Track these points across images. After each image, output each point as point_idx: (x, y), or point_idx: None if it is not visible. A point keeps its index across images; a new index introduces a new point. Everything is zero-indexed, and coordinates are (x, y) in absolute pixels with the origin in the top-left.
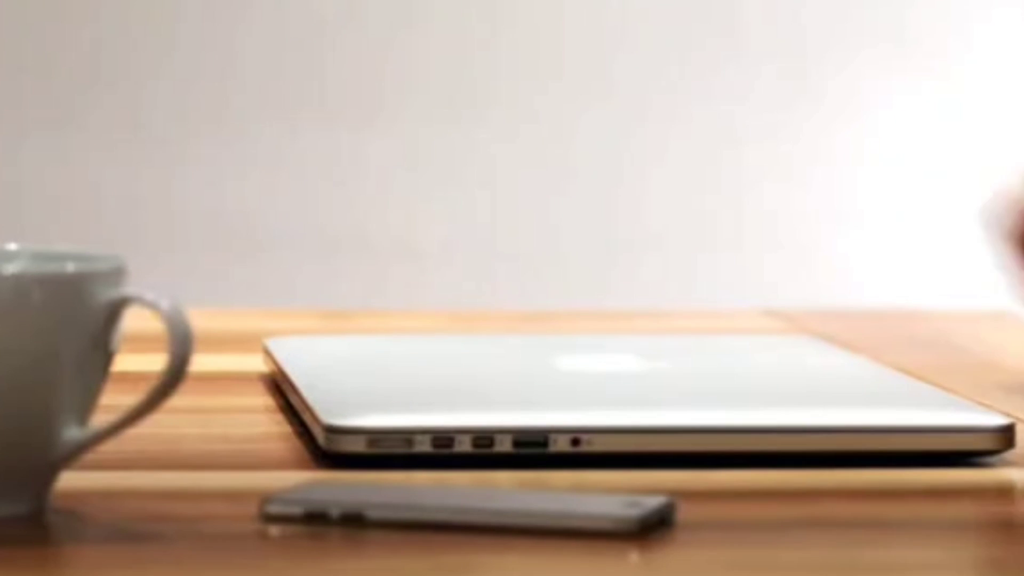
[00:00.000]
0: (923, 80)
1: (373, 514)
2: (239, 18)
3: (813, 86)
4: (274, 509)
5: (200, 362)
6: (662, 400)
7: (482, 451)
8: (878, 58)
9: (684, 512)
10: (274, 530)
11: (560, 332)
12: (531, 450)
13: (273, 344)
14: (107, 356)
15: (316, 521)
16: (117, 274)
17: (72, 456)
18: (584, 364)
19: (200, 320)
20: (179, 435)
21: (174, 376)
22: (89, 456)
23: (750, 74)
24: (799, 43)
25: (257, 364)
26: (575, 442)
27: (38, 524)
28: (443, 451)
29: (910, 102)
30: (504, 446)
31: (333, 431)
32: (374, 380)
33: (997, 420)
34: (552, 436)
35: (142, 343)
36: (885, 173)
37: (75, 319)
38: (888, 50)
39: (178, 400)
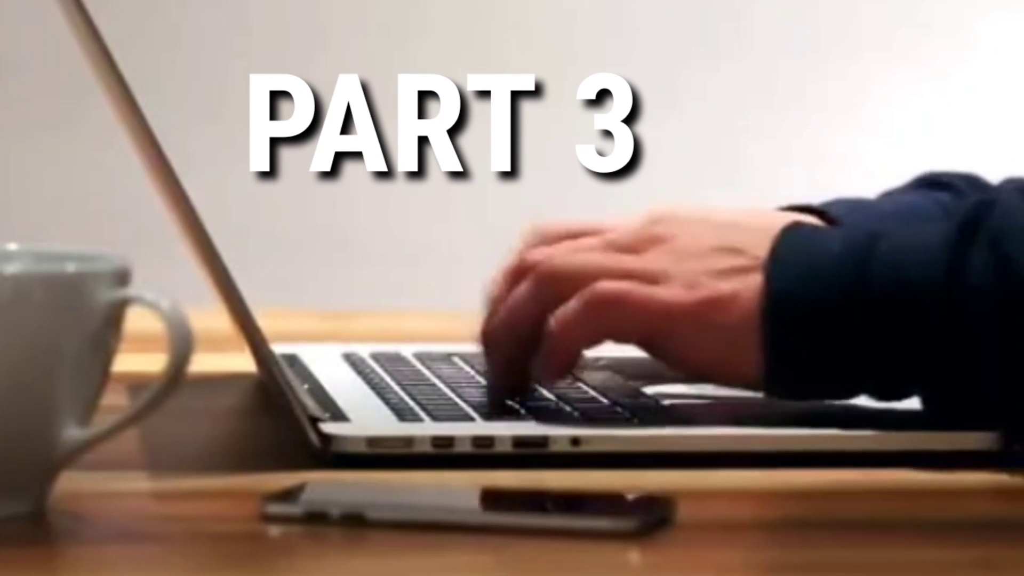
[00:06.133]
0: (925, 80)
1: (373, 514)
2: (239, 18)
3: (815, 86)
4: (274, 509)
5: (200, 362)
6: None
7: (482, 451)
8: (881, 58)
9: (684, 512)
10: (274, 530)
11: None
12: (531, 450)
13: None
14: (107, 356)
15: (316, 521)
16: (117, 274)
17: (72, 456)
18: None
19: (200, 320)
20: (179, 435)
21: (174, 376)
22: (89, 456)
23: (752, 73)
24: (801, 43)
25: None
26: (575, 442)
27: (38, 524)
28: (443, 451)
29: (912, 102)
30: (504, 446)
31: (333, 434)
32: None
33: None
34: (552, 436)
35: (142, 343)
36: (886, 174)
37: (75, 319)
38: (891, 50)
39: (178, 400)
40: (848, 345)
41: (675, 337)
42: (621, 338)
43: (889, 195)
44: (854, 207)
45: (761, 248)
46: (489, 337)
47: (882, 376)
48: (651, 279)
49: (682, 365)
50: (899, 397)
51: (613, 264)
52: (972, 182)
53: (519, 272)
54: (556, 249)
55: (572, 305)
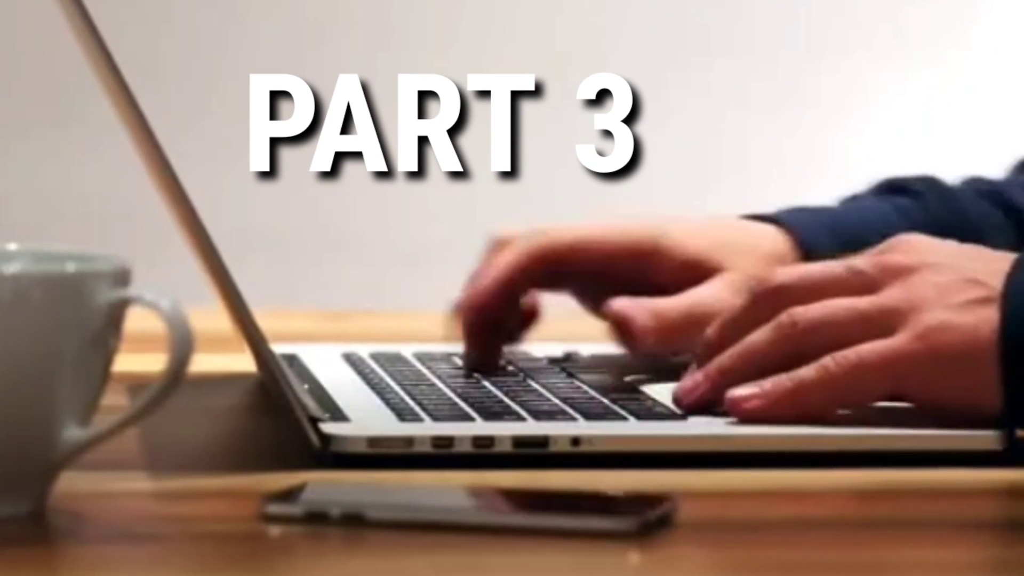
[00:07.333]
0: (925, 79)
1: (373, 514)
2: (238, 18)
3: (816, 85)
4: (274, 509)
5: (200, 362)
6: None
7: (482, 451)
8: (881, 57)
9: (684, 512)
10: (274, 530)
11: (559, 332)
12: (531, 450)
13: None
14: (107, 356)
15: (316, 521)
16: (117, 274)
17: (72, 456)
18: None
19: (200, 320)
20: (179, 435)
21: (174, 376)
22: (89, 456)
23: (752, 73)
24: (802, 43)
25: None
26: (575, 442)
27: (38, 524)
28: (443, 451)
29: (913, 101)
30: (504, 446)
31: (333, 434)
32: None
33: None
34: (552, 436)
35: (142, 343)
36: (883, 172)
37: (75, 319)
38: (892, 49)
39: (178, 400)
40: None
41: (916, 383)
42: (865, 401)
43: (851, 200)
44: (812, 215)
45: (1000, 278)
46: (721, 365)
47: None
48: (891, 320)
49: (927, 404)
50: None
51: (855, 313)
52: (931, 185)
53: (766, 301)
54: (802, 284)
55: (811, 376)
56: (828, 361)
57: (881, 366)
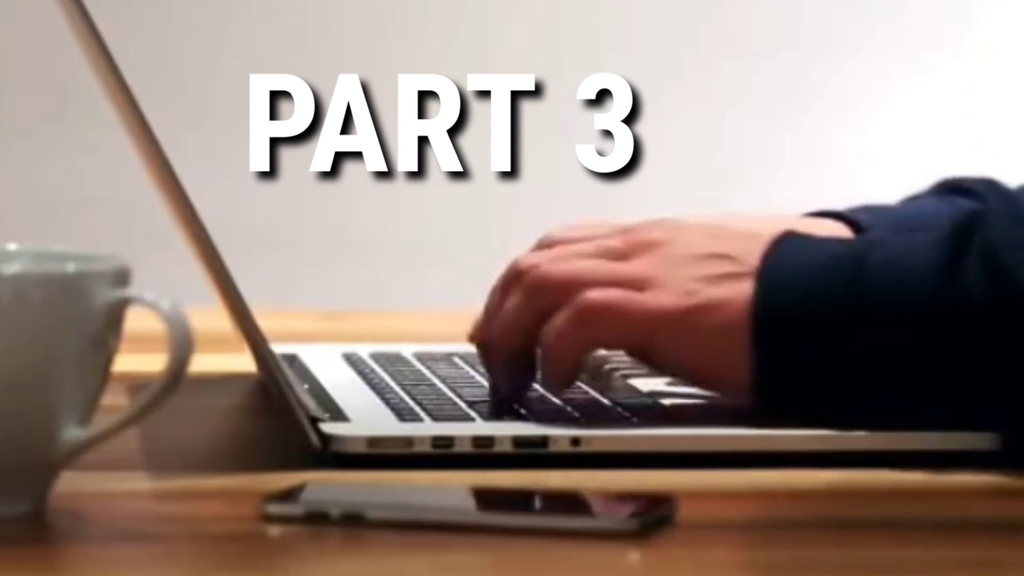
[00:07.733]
0: (922, 78)
1: (373, 514)
2: (238, 18)
3: (816, 85)
4: (274, 509)
5: (200, 362)
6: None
7: (482, 451)
8: (882, 57)
9: (684, 512)
10: (274, 530)
11: None
12: (531, 450)
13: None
14: (107, 356)
15: (316, 521)
16: (117, 274)
17: (72, 456)
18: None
19: (200, 320)
20: (179, 435)
21: (174, 376)
22: (89, 456)
23: (752, 73)
24: (802, 42)
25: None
26: (575, 442)
27: (38, 524)
28: (442, 451)
29: (914, 101)
30: (504, 446)
31: (333, 434)
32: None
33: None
34: (552, 436)
35: (142, 343)
36: (884, 172)
37: (75, 319)
38: (893, 49)
39: (178, 400)
40: (838, 357)
41: (664, 343)
42: (611, 346)
43: (911, 200)
44: (877, 213)
45: (754, 255)
46: (487, 347)
47: (877, 389)
48: (640, 285)
49: (672, 371)
50: (896, 415)
51: (602, 271)
52: (992, 187)
53: (513, 279)
54: (547, 255)
55: (562, 316)
56: (576, 302)
57: (640, 313)
